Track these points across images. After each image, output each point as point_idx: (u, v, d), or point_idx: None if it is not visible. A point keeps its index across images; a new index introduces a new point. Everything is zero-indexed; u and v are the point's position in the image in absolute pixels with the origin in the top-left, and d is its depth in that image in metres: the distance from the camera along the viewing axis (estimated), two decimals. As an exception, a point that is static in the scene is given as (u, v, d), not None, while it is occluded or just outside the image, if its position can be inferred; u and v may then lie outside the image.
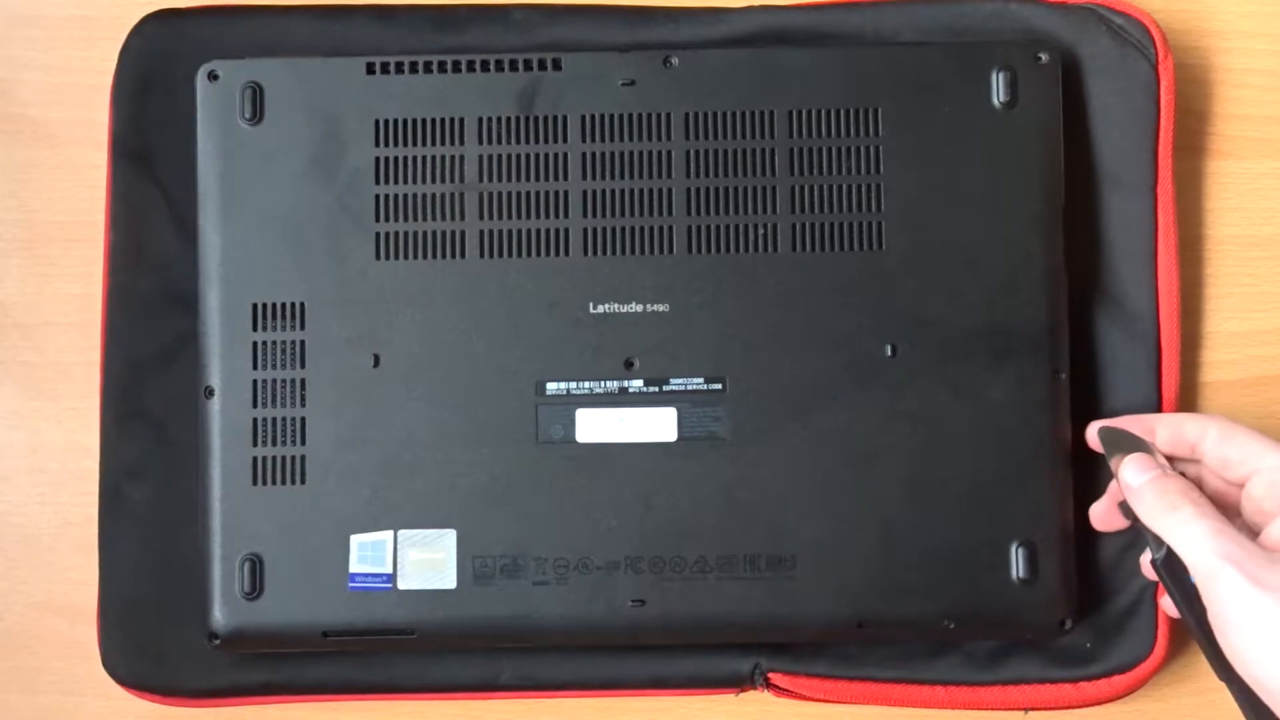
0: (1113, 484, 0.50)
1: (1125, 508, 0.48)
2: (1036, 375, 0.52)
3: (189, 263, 0.53)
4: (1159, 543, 0.46)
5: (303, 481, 0.51)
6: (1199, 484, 0.48)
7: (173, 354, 0.54)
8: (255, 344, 0.52)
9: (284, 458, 0.51)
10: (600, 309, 0.52)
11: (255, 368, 0.52)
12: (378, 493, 0.51)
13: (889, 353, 0.51)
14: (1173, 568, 0.46)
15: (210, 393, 0.51)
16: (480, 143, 0.52)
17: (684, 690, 0.54)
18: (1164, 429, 0.49)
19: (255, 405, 0.51)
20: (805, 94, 0.52)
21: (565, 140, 0.52)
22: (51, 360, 0.57)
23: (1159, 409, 0.53)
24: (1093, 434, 0.51)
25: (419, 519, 0.51)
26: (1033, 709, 0.53)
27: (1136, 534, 0.53)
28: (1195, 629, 0.45)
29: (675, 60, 0.53)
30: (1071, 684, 0.53)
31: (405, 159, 0.52)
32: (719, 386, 0.51)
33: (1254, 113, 0.57)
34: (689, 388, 0.51)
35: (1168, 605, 0.51)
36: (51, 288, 0.57)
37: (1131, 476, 0.47)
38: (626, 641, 0.53)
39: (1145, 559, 0.49)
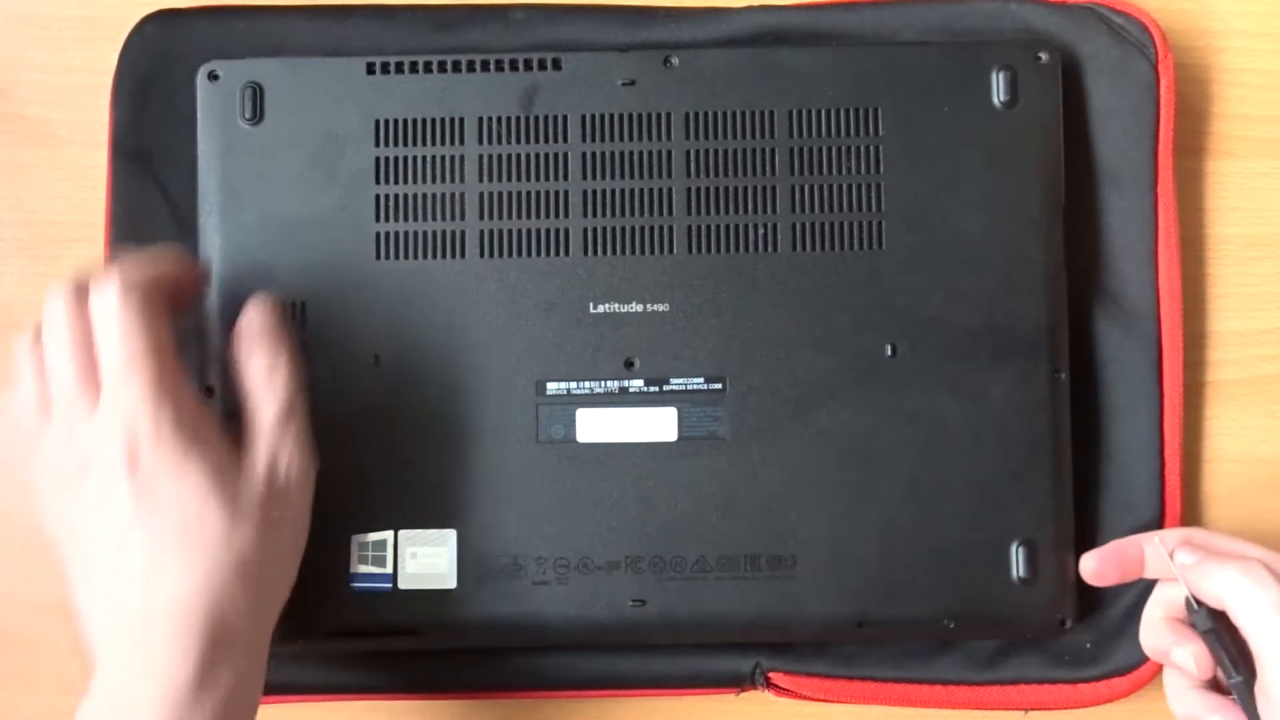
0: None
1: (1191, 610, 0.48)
2: (1036, 375, 0.52)
3: (189, 263, 0.53)
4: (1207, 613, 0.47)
5: (303, 481, 0.51)
6: None
7: (173, 354, 0.54)
8: (255, 344, 0.52)
9: (284, 458, 0.51)
10: (600, 309, 0.52)
11: (255, 368, 0.51)
12: (378, 493, 0.51)
13: (889, 353, 0.51)
14: (1221, 634, 0.46)
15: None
16: (480, 143, 0.52)
17: (684, 690, 0.54)
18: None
19: (255, 405, 0.51)
20: (805, 94, 0.52)
21: (565, 140, 0.52)
22: (51, 360, 0.57)
23: (1159, 409, 0.54)
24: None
25: (419, 519, 0.51)
26: (1032, 709, 0.53)
27: (1137, 533, 0.53)
28: (1243, 691, 0.46)
29: (675, 60, 0.53)
30: (1071, 685, 0.53)
31: (405, 159, 0.52)
32: (719, 386, 0.51)
33: (1254, 113, 0.57)
34: (689, 387, 0.51)
35: (1154, 653, 0.51)
36: (51, 288, 0.57)
37: (1183, 556, 0.48)
38: (626, 641, 0.53)
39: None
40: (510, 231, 0.52)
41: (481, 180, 0.52)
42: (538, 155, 0.52)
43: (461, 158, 0.52)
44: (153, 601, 0.41)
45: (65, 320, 0.43)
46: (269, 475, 0.44)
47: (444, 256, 0.52)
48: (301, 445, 0.46)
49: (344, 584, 0.51)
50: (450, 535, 0.51)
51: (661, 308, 0.52)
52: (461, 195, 0.52)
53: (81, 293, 0.44)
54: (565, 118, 0.52)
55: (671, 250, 0.52)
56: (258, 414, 0.46)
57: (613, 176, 0.52)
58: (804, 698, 0.54)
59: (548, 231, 0.52)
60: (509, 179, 0.52)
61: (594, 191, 0.52)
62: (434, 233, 0.52)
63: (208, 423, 0.44)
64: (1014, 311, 0.52)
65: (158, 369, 0.43)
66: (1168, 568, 0.49)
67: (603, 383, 0.52)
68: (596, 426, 0.51)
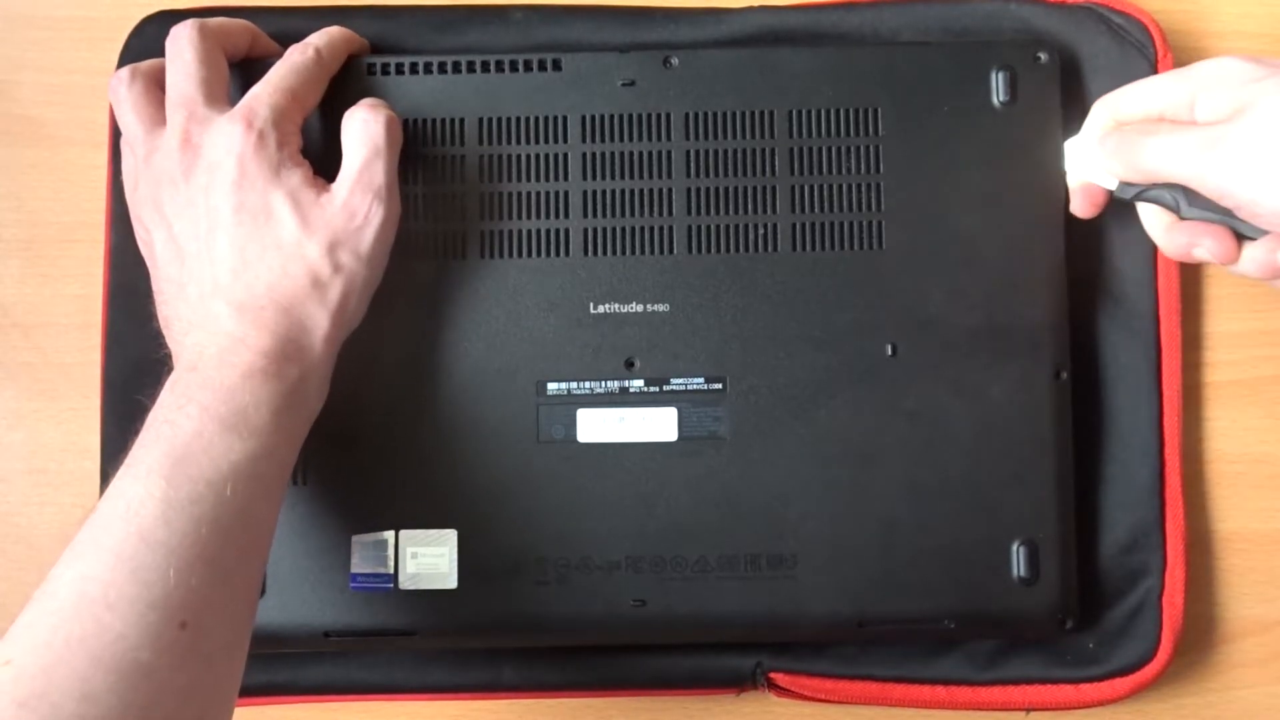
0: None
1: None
2: (1037, 375, 0.52)
3: (189, 263, 0.53)
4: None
5: (303, 482, 0.51)
6: None
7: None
8: (255, 344, 0.51)
9: (284, 458, 0.51)
10: (601, 309, 0.52)
11: (255, 368, 0.51)
12: (378, 493, 0.51)
13: (889, 352, 0.51)
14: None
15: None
16: (480, 143, 0.52)
17: (684, 690, 0.54)
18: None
19: (255, 405, 0.51)
20: (805, 94, 0.52)
21: (565, 140, 0.52)
22: (51, 360, 0.57)
23: (1159, 409, 0.54)
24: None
25: (419, 519, 0.51)
26: (1033, 709, 0.53)
27: (1138, 533, 0.53)
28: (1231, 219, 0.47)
29: (675, 60, 0.53)
30: (1072, 685, 0.53)
31: (405, 159, 0.52)
32: (719, 386, 0.51)
33: (1254, 113, 0.57)
34: (689, 387, 0.51)
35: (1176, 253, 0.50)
36: (51, 288, 0.57)
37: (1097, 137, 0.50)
38: (626, 641, 0.53)
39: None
40: (511, 231, 0.52)
41: (482, 180, 0.52)
42: (538, 156, 0.52)
43: (462, 158, 0.52)
44: (235, 290, 0.46)
45: (196, 44, 0.49)
46: (345, 211, 0.48)
47: (444, 256, 0.52)
48: (380, 193, 0.48)
49: (344, 584, 0.51)
50: (450, 535, 0.51)
51: (661, 308, 0.52)
52: (462, 195, 0.52)
53: (207, 29, 0.50)
54: (565, 118, 0.52)
55: (671, 250, 0.52)
56: (345, 160, 0.49)
57: (613, 176, 0.52)
58: (804, 698, 0.54)
59: (548, 231, 0.52)
60: (509, 179, 0.52)
61: (594, 191, 0.52)
62: (435, 232, 0.52)
63: (300, 159, 0.49)
64: (1014, 311, 0.52)
65: (284, 103, 0.48)
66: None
67: (603, 383, 0.52)
68: (597, 426, 0.51)
